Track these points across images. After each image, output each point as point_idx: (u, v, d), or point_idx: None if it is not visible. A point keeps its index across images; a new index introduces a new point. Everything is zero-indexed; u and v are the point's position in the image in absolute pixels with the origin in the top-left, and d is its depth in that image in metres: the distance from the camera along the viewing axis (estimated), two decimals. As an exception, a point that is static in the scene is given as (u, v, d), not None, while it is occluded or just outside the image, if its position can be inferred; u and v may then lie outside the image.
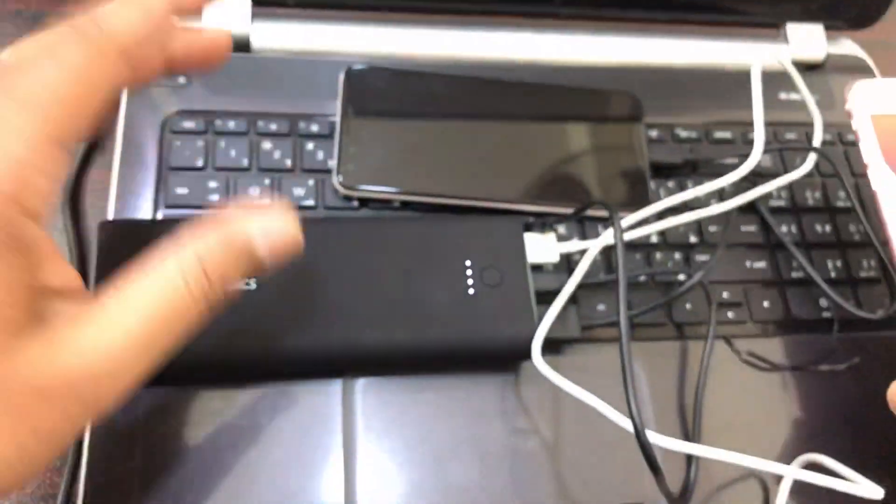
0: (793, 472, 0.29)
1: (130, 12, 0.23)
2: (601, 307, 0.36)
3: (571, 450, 0.33)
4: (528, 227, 0.35)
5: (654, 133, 0.42)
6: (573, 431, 0.33)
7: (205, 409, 0.31)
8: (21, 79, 0.20)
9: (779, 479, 0.30)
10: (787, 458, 0.34)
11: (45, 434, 0.19)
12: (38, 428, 0.19)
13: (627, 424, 0.28)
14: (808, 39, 0.46)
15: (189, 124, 0.37)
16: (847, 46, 0.47)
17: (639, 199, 0.38)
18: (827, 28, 0.46)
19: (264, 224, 0.23)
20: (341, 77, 0.39)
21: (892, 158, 0.36)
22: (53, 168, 0.20)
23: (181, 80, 0.39)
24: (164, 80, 0.39)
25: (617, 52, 0.44)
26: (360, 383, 0.33)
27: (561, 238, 0.37)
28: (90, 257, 0.37)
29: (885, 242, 0.34)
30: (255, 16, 0.41)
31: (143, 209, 0.35)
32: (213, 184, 0.36)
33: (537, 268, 0.35)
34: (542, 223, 0.37)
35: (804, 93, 0.40)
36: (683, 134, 0.42)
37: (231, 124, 0.38)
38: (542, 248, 0.35)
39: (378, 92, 0.39)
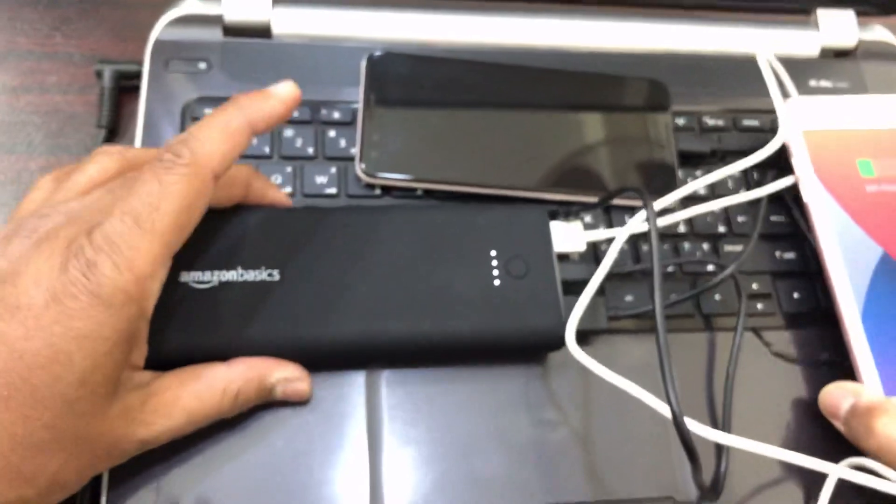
0: (838, 471, 0.29)
1: (214, 135, 0.27)
2: (628, 297, 0.35)
3: (598, 441, 0.32)
4: (554, 216, 0.35)
5: (681, 121, 0.41)
6: (600, 423, 0.33)
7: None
8: (140, 204, 0.24)
9: (815, 475, 0.29)
10: (817, 452, 0.33)
11: (96, 471, 0.26)
12: (95, 467, 0.26)
13: (665, 410, 0.28)
14: (839, 26, 0.45)
15: (209, 111, 0.37)
16: (879, 32, 0.46)
17: (667, 187, 0.38)
18: (858, 14, 0.45)
19: (289, 384, 0.30)
20: (363, 64, 0.38)
21: (822, 172, 0.36)
22: (163, 273, 0.26)
23: (201, 65, 0.38)
24: (184, 66, 0.38)
25: (644, 38, 0.43)
26: (385, 375, 0.32)
27: (587, 227, 0.36)
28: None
29: (818, 252, 0.35)
30: (275, 1, 0.40)
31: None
32: (234, 171, 0.36)
33: (563, 257, 0.34)
34: (567, 212, 0.36)
35: (789, 87, 0.40)
36: (711, 122, 0.41)
37: (252, 111, 0.37)
38: (568, 237, 0.34)
39: (400, 79, 0.38)
